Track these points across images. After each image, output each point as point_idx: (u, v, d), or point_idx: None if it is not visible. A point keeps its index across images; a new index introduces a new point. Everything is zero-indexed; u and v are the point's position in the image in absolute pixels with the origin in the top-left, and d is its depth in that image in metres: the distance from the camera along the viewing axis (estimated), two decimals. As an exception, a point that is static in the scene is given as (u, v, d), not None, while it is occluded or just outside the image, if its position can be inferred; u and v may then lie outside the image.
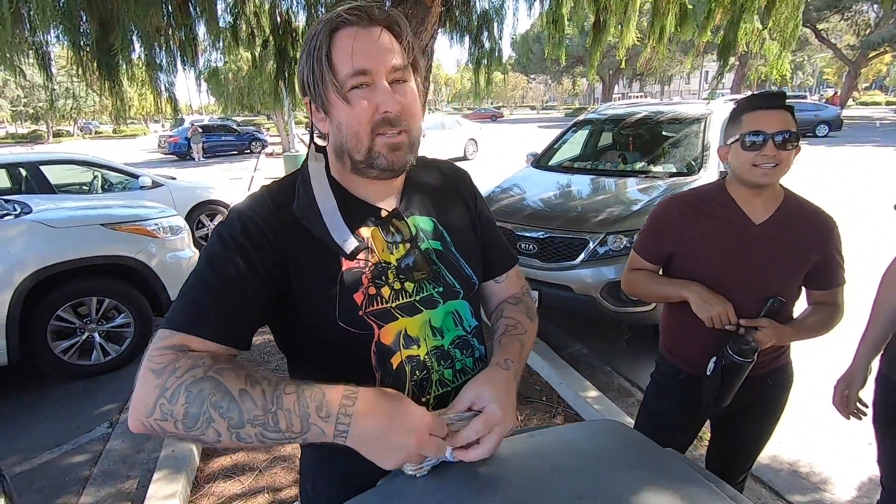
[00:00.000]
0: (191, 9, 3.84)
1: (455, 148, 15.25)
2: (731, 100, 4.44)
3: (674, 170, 3.82)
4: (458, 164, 1.01)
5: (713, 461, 1.63)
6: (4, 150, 17.14)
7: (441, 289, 0.85)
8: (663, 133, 4.39)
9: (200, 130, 19.91)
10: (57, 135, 38.04)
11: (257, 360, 3.41)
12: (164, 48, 3.95)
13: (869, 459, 1.55)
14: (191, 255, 3.81)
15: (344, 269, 0.78)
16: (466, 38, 4.58)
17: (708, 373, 1.34)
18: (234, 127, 22.79)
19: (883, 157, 12.76)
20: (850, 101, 35.12)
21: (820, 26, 28.95)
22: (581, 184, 3.96)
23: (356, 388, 0.66)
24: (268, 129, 29.83)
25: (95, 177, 5.84)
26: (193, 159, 19.41)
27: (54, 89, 4.15)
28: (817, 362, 2.29)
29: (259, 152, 21.32)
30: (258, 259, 0.73)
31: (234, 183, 11.30)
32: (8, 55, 3.00)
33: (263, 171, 14.67)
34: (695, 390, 1.44)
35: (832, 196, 7.57)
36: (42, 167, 5.33)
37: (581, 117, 5.19)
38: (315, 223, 0.77)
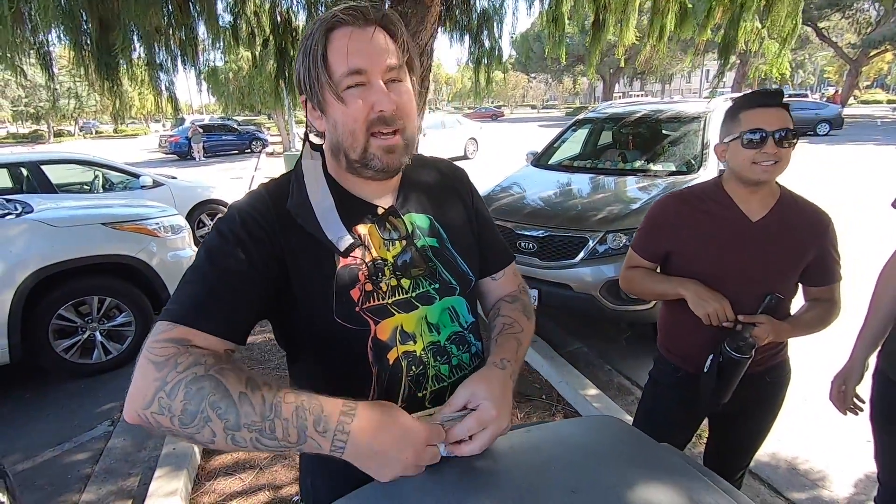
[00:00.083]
0: (191, 8, 3.84)
1: (455, 147, 15.26)
2: (732, 98, 4.44)
3: (673, 168, 3.82)
4: (458, 163, 1.02)
5: (711, 459, 1.64)
6: (6, 150, 17.18)
7: (437, 285, 0.85)
8: (663, 132, 4.40)
9: (201, 130, 19.93)
10: (58, 134, 38.10)
11: (257, 359, 3.42)
12: (164, 48, 3.97)
13: (867, 456, 1.56)
14: (191, 254, 3.82)
15: (340, 265, 0.78)
16: (466, 37, 4.58)
17: (705, 370, 1.34)
18: (235, 126, 22.80)
19: (884, 155, 12.74)
20: (851, 100, 35.04)
21: (821, 24, 28.89)
22: (581, 182, 3.96)
23: (355, 403, 0.66)
24: (268, 128, 29.86)
25: (96, 176, 5.85)
26: (194, 159, 19.43)
27: (56, 89, 4.17)
28: (816, 359, 2.30)
29: (260, 152, 21.34)
30: (257, 254, 0.73)
31: (235, 182, 11.33)
32: (9, 55, 3.00)
33: (264, 170, 14.68)
34: (693, 388, 1.45)
35: (833, 195, 7.57)
36: (43, 167, 5.34)
37: (581, 116, 5.19)
38: (308, 221, 0.78)
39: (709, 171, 3.60)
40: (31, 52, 3.35)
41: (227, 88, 18.73)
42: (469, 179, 1.01)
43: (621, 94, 49.50)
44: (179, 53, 4.14)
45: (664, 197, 1.48)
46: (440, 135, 14.67)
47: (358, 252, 0.79)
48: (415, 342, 0.82)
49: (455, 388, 0.86)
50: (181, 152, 20.17)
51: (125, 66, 3.74)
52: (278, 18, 4.47)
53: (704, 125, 3.94)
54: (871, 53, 29.16)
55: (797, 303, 1.42)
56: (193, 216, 6.15)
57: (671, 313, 1.50)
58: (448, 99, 68.39)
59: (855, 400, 1.47)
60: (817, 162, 11.56)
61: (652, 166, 3.95)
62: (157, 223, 3.63)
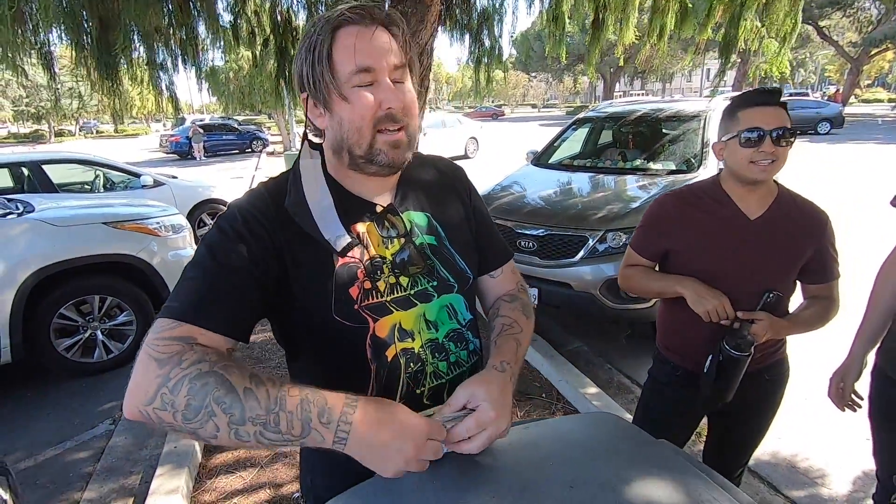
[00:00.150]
0: (191, 8, 3.85)
1: (456, 146, 15.27)
2: (731, 97, 4.45)
3: (673, 167, 3.83)
4: (458, 162, 1.02)
5: (710, 456, 1.64)
6: (7, 150, 17.20)
7: (435, 283, 0.86)
8: (663, 130, 4.40)
9: (201, 130, 19.95)
10: (59, 134, 38.14)
11: (258, 358, 3.43)
12: (165, 47, 3.97)
13: (866, 454, 1.56)
14: (192, 253, 3.82)
15: (339, 264, 0.79)
16: (467, 37, 4.58)
17: (705, 370, 1.35)
18: (236, 126, 22.82)
19: (885, 154, 12.73)
20: (853, 99, 35.00)
21: (822, 23, 28.86)
22: (581, 181, 3.97)
23: (357, 396, 0.67)
24: (269, 128, 29.87)
25: (97, 176, 5.87)
26: (195, 158, 19.45)
27: (57, 89, 4.17)
28: (816, 358, 2.30)
29: (260, 151, 21.36)
30: (258, 251, 0.74)
31: (236, 182, 11.34)
32: (10, 55, 3.01)
33: (264, 170, 14.70)
34: (692, 386, 1.45)
35: (834, 194, 7.57)
36: (44, 166, 5.36)
37: (581, 115, 5.19)
38: (305, 220, 0.78)
39: (709, 169, 3.60)
40: (33, 52, 3.35)
41: (228, 88, 18.74)
42: (467, 177, 1.02)
43: (622, 93, 49.43)
44: (180, 53, 4.15)
45: (663, 195, 1.48)
46: (441, 134, 14.68)
47: (357, 250, 0.80)
48: (413, 339, 0.83)
49: (453, 384, 0.86)
50: (182, 152, 20.19)
51: (126, 66, 3.75)
52: (278, 18, 4.48)
53: (704, 124, 3.94)
54: (872, 52, 29.11)
55: (796, 301, 1.42)
56: (194, 215, 6.17)
57: (670, 311, 1.51)
58: (448, 98, 68.38)
59: (853, 397, 1.48)
60: (818, 161, 11.56)
61: (652, 165, 3.95)
62: (158, 222, 3.64)
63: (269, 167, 15.44)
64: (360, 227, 0.82)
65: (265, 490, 2.22)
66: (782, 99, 1.26)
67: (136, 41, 3.70)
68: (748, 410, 1.48)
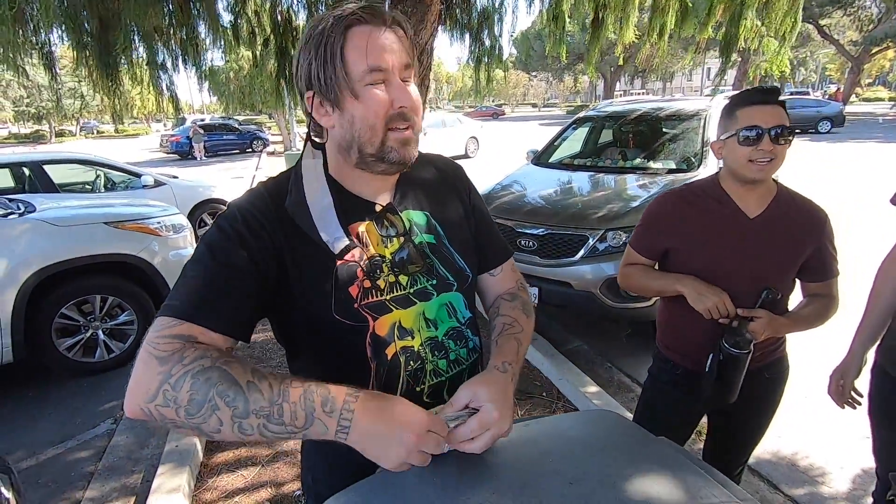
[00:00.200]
0: (192, 8, 3.85)
1: (456, 146, 15.27)
2: (730, 96, 4.45)
3: (673, 166, 3.83)
4: (459, 161, 1.03)
5: (710, 454, 1.65)
6: (7, 150, 17.22)
7: (434, 281, 0.86)
8: (663, 130, 4.40)
9: (202, 130, 19.97)
10: (59, 134, 38.17)
11: (258, 357, 3.44)
12: (165, 47, 3.98)
13: (866, 452, 1.57)
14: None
15: (339, 262, 0.79)
16: (467, 36, 4.58)
17: (706, 370, 1.35)
18: (236, 126, 22.84)
19: (885, 153, 12.71)
20: (853, 98, 34.98)
21: (822, 22, 28.83)
22: (581, 180, 3.97)
23: (359, 389, 0.68)
24: (269, 127, 29.88)
25: (98, 176, 5.88)
26: (195, 158, 19.47)
27: (59, 89, 4.19)
28: (815, 356, 2.31)
29: (260, 151, 21.37)
30: (258, 250, 0.74)
31: (236, 182, 11.35)
32: (11, 55, 3.02)
33: (265, 169, 14.71)
34: (692, 385, 1.45)
35: (834, 193, 7.57)
36: (45, 166, 5.37)
37: (581, 114, 5.19)
38: (304, 220, 0.78)
39: (709, 168, 3.60)
40: (34, 52, 3.36)
41: (228, 88, 18.76)
42: (466, 176, 1.02)
43: (622, 93, 49.39)
44: (180, 53, 4.16)
45: (662, 194, 1.48)
46: (441, 133, 14.69)
47: (356, 249, 0.80)
48: (413, 338, 0.83)
49: (453, 382, 0.87)
50: (182, 152, 20.21)
51: (126, 66, 3.76)
52: (279, 18, 4.48)
53: (704, 123, 3.94)
54: (873, 51, 29.09)
55: (796, 299, 1.43)
56: (195, 215, 6.18)
57: (670, 310, 1.51)
58: (449, 98, 68.36)
59: (853, 394, 1.48)
60: (819, 160, 11.55)
61: (652, 164, 3.96)
62: (159, 222, 3.65)
63: (269, 167, 15.45)
64: (360, 227, 0.82)
65: (266, 489, 2.23)
66: (781, 98, 1.26)
67: (137, 41, 3.71)
68: (748, 409, 1.48)
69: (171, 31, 3.92)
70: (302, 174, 0.83)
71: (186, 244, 3.81)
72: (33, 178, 5.30)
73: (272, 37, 4.49)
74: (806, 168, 9.55)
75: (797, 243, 1.32)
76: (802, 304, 1.41)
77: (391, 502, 0.72)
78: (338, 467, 0.87)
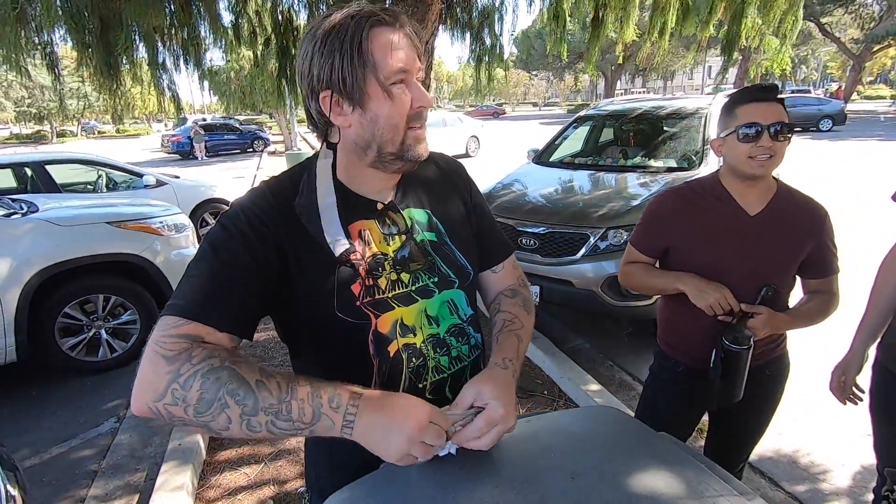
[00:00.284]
0: (193, 8, 3.86)
1: (457, 145, 15.27)
2: (729, 95, 4.45)
3: (674, 164, 3.83)
4: (459, 160, 1.04)
5: (711, 451, 1.65)
6: (9, 151, 17.25)
7: (436, 279, 0.87)
8: (664, 128, 4.40)
9: (202, 131, 19.98)
10: (61, 135, 38.23)
11: (260, 356, 3.45)
12: (167, 47, 3.99)
13: (866, 449, 1.57)
14: (195, 252, 3.84)
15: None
16: (467, 35, 4.58)
17: (711, 365, 1.35)
18: (237, 126, 22.85)
19: (887, 151, 12.69)
20: (855, 96, 34.90)
21: (824, 20, 28.78)
22: (582, 179, 3.97)
23: (365, 388, 0.71)
24: (270, 127, 29.91)
25: (100, 176, 5.89)
26: (196, 158, 19.49)
27: (62, 90, 4.19)
28: (816, 354, 2.31)
29: (261, 151, 21.39)
30: (261, 249, 0.75)
31: (237, 181, 11.36)
32: (13, 56, 3.03)
33: (266, 169, 14.72)
34: (693, 382, 1.46)
35: (836, 191, 7.56)
36: (47, 167, 5.38)
37: (582, 113, 5.20)
38: (313, 222, 0.79)
39: (709, 167, 3.60)
40: (36, 52, 3.37)
41: (229, 88, 18.76)
42: (467, 173, 1.03)
43: (623, 91, 49.32)
44: (181, 53, 4.17)
45: (662, 192, 1.49)
46: (442, 133, 14.68)
47: (358, 247, 0.81)
48: (415, 335, 0.84)
49: (455, 379, 0.88)
50: (183, 152, 20.23)
51: (127, 66, 3.77)
52: (280, 17, 4.49)
53: (705, 121, 3.94)
54: (875, 49, 29.03)
55: (796, 297, 1.43)
56: (196, 215, 6.18)
57: (670, 308, 1.51)
58: (449, 97, 68.32)
59: (854, 390, 1.48)
60: (820, 158, 11.53)
61: (653, 163, 3.96)
62: (161, 222, 3.66)
63: (270, 167, 15.46)
64: (362, 225, 0.83)
65: (269, 486, 2.24)
66: (781, 95, 1.27)
67: (138, 41, 3.72)
68: (749, 406, 1.49)
69: (173, 31, 3.93)
70: (316, 175, 0.83)
71: (188, 244, 3.82)
72: (35, 179, 5.31)
73: (273, 36, 4.50)
74: (807, 166, 9.53)
75: (797, 240, 1.33)
76: (803, 301, 1.41)
77: (394, 497, 0.73)
78: (339, 465, 0.88)
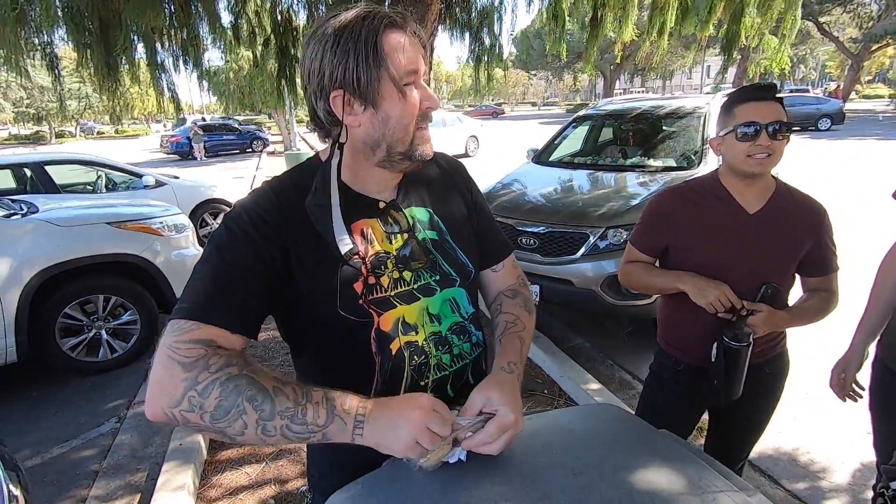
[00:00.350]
0: (192, 8, 3.86)
1: (456, 145, 15.28)
2: (728, 94, 4.46)
3: (673, 164, 3.84)
4: (459, 160, 1.04)
5: (711, 449, 1.65)
6: (8, 151, 17.23)
7: (438, 277, 0.88)
8: (663, 127, 4.41)
9: (201, 131, 19.96)
10: (59, 135, 38.19)
11: (261, 356, 3.45)
12: (166, 48, 3.99)
13: (866, 447, 1.58)
14: (195, 252, 3.84)
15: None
16: (466, 35, 4.59)
17: (712, 359, 1.36)
18: (236, 126, 22.83)
19: (885, 150, 12.71)
20: (853, 95, 34.94)
21: (822, 19, 28.82)
22: (581, 179, 3.98)
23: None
24: (269, 127, 29.89)
25: (99, 176, 5.89)
26: (195, 159, 19.47)
27: (61, 91, 4.19)
28: (817, 353, 2.32)
29: (261, 151, 21.37)
30: (265, 248, 0.76)
31: (237, 182, 11.35)
32: (13, 56, 3.03)
33: (265, 169, 14.71)
34: (693, 381, 1.47)
35: (835, 190, 7.57)
36: (47, 167, 5.38)
37: (581, 113, 5.20)
38: (323, 219, 0.79)
39: (708, 166, 3.61)
40: (36, 53, 3.37)
41: (228, 88, 18.77)
42: (467, 173, 1.04)
43: (622, 91, 49.33)
44: (181, 53, 4.17)
45: (662, 192, 1.50)
46: (441, 133, 14.68)
47: (361, 245, 0.82)
48: (417, 333, 0.85)
49: (456, 377, 0.89)
50: (182, 152, 20.21)
51: (127, 66, 3.77)
52: (279, 18, 4.49)
53: (704, 121, 3.95)
54: (873, 48, 29.08)
55: (796, 295, 1.44)
56: (196, 215, 6.18)
57: (671, 307, 1.52)
58: (448, 97, 68.31)
59: (854, 387, 1.49)
60: (819, 157, 11.55)
61: (652, 162, 3.96)
62: (161, 222, 3.66)
63: (269, 167, 15.46)
64: (364, 224, 0.84)
65: (270, 486, 2.25)
66: (779, 94, 1.27)
67: (137, 41, 3.73)
68: (749, 404, 1.49)
69: (172, 32, 3.93)
70: (330, 175, 0.83)
71: (188, 244, 3.82)
72: (35, 179, 5.31)
73: (273, 37, 4.50)
74: (806, 165, 9.54)
75: (796, 238, 1.34)
76: (802, 300, 1.42)
77: (396, 495, 0.73)
78: (341, 464, 0.88)
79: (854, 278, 1.93)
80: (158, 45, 3.89)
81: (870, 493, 1.73)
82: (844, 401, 1.51)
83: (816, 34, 31.94)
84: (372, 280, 0.82)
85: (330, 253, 0.79)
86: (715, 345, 1.33)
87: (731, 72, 26.56)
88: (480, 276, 1.01)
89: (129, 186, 5.95)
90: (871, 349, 1.47)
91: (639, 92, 48.84)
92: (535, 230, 3.35)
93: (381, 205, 0.87)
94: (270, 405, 0.67)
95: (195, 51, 4.15)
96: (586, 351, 3.41)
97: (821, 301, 1.39)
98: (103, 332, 3.35)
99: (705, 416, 1.64)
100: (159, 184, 5.99)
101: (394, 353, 0.83)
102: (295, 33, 4.53)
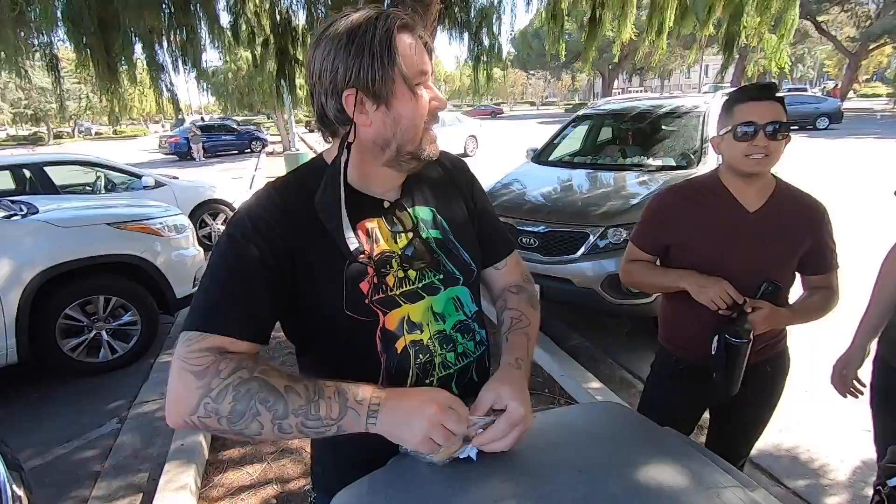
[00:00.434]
0: (191, 9, 3.86)
1: (455, 145, 15.29)
2: (728, 93, 4.47)
3: (673, 163, 3.84)
4: (461, 158, 1.05)
5: (712, 448, 1.64)
6: (6, 152, 17.20)
7: (441, 276, 0.88)
8: (662, 127, 4.42)
9: (199, 132, 19.92)
10: (57, 136, 38.12)
11: (261, 356, 3.45)
12: (165, 48, 3.99)
13: (866, 445, 1.59)
14: (195, 253, 3.84)
15: (349, 260, 0.81)
16: (466, 35, 4.60)
17: (713, 352, 1.36)
18: (234, 126, 22.79)
19: (884, 149, 12.73)
20: (851, 94, 34.99)
21: (820, 18, 28.86)
22: (581, 178, 3.99)
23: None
24: (267, 128, 29.86)
25: (99, 177, 5.88)
26: (194, 159, 19.45)
27: (61, 91, 4.19)
28: (817, 352, 2.32)
29: (259, 151, 21.35)
30: (270, 252, 0.76)
31: (236, 182, 11.34)
32: (13, 57, 3.03)
33: (264, 170, 14.70)
34: (694, 379, 1.47)
35: (833, 189, 7.58)
36: (46, 168, 5.37)
37: (580, 112, 5.21)
38: (333, 217, 0.79)
39: (708, 165, 3.62)
40: (36, 54, 3.37)
41: (227, 88, 18.75)
42: (470, 171, 1.04)
43: (620, 90, 49.35)
44: (180, 54, 4.17)
45: (663, 190, 1.50)
46: (440, 133, 14.30)
47: (367, 245, 0.82)
48: (422, 331, 0.85)
49: (461, 375, 0.89)
50: (181, 153, 20.18)
51: (126, 67, 3.77)
52: (278, 18, 4.49)
53: (703, 120, 3.96)
54: (871, 47, 29.16)
55: (796, 293, 1.44)
56: (196, 216, 6.17)
57: (672, 306, 1.53)
58: (446, 97, 67.88)
59: (855, 383, 1.50)
60: (817, 156, 11.56)
61: (651, 161, 3.97)
62: (161, 223, 3.66)
63: (268, 167, 15.44)
64: (370, 224, 0.84)
65: (272, 485, 2.25)
66: (779, 94, 1.28)
67: (136, 42, 3.73)
68: (749, 402, 1.50)
69: (171, 32, 3.93)
70: (338, 173, 0.83)
71: (189, 244, 3.82)
72: (34, 180, 5.31)
73: (272, 37, 4.50)
74: (804, 164, 9.56)
75: (796, 237, 1.34)
76: (803, 297, 1.43)
77: (402, 493, 0.74)
78: (346, 462, 0.89)
79: (853, 276, 1.94)
80: (157, 46, 3.89)
81: (870, 491, 1.73)
82: (846, 397, 1.52)
83: (814, 33, 31.97)
84: (378, 280, 0.82)
85: (336, 252, 0.79)
86: (716, 338, 1.33)
87: (730, 71, 26.60)
88: (484, 274, 1.02)
89: (129, 187, 5.95)
90: (873, 346, 1.48)
91: (637, 91, 48.86)
92: (536, 230, 3.36)
93: (386, 204, 0.87)
94: (283, 405, 0.68)
95: (194, 51, 4.15)
96: (587, 350, 3.42)
97: (821, 299, 1.39)
98: (104, 332, 3.35)
99: (706, 415, 1.64)
100: (159, 184, 5.98)
101: (399, 351, 0.83)
102: (294, 34, 4.54)
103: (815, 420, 2.53)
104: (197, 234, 4.45)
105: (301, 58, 4.62)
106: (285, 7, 4.55)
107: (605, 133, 5.05)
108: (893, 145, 13.25)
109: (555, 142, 4.84)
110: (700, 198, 1.40)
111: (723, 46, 4.24)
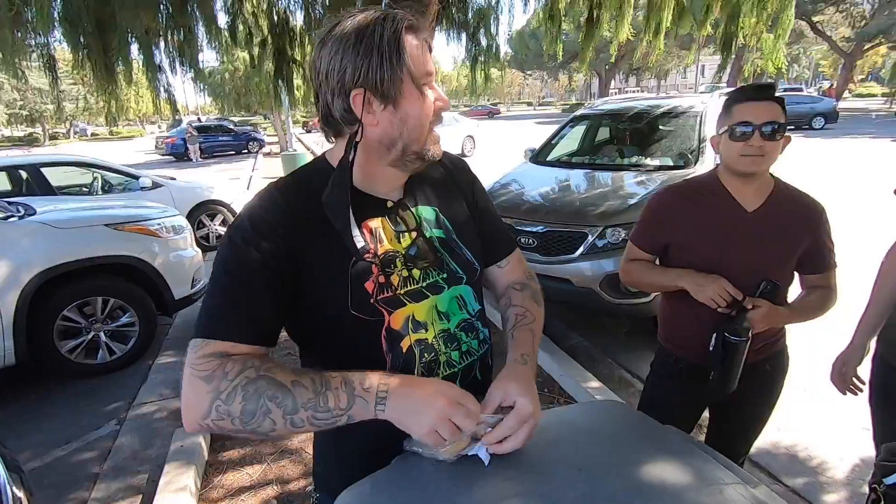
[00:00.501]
0: (188, 9, 3.86)
1: (453, 145, 15.28)
2: (725, 93, 4.48)
3: (670, 163, 3.86)
4: (462, 158, 1.05)
5: (711, 446, 1.66)
6: (2, 153, 17.13)
7: (445, 275, 0.89)
8: (660, 127, 4.43)
9: (195, 132, 19.86)
10: (53, 137, 37.97)
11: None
12: (162, 49, 3.98)
13: (864, 443, 1.60)
14: (193, 254, 3.84)
15: (354, 259, 0.81)
16: (463, 36, 4.61)
17: (711, 348, 1.37)
18: (232, 127, 22.74)
19: (879, 148, 12.80)
20: (846, 94, 35.14)
21: (815, 18, 28.99)
22: (579, 178, 4.00)
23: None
24: (265, 128, 29.82)
25: (95, 178, 5.86)
26: (191, 160, 19.39)
27: (60, 92, 4.18)
28: (816, 351, 2.34)
29: (257, 152, 21.31)
30: (272, 254, 0.76)
31: (233, 183, 11.31)
32: (10, 58, 3.02)
33: (261, 170, 14.67)
34: (694, 378, 1.48)
35: (829, 188, 7.61)
36: (42, 169, 5.36)
37: (578, 112, 5.22)
38: (340, 216, 0.78)
39: (705, 165, 3.63)
40: (32, 54, 3.36)
41: (224, 89, 18.71)
42: (470, 170, 1.05)
43: (616, 91, 49.47)
44: (177, 55, 4.16)
45: (662, 190, 1.51)
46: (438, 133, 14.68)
47: (371, 244, 0.82)
48: (426, 330, 0.85)
49: (465, 373, 0.89)
50: (178, 154, 20.11)
51: (123, 68, 3.76)
52: (275, 19, 4.48)
53: (700, 120, 3.97)
54: (866, 47, 29.30)
55: (795, 292, 1.45)
56: (193, 216, 6.16)
57: (671, 305, 1.53)
58: (445, 97, 68.07)
59: (855, 381, 1.51)
60: (813, 156, 11.61)
61: (649, 161, 3.98)
62: (159, 224, 3.65)
63: (266, 168, 15.42)
64: (374, 223, 0.84)
65: (272, 486, 2.25)
66: (777, 94, 1.28)
67: (133, 43, 3.72)
68: (748, 400, 1.51)
69: (169, 33, 3.92)
70: (346, 172, 0.82)
71: (187, 245, 3.81)
72: (31, 181, 5.29)
73: (269, 38, 4.49)
74: (800, 164, 9.59)
75: (794, 236, 1.35)
76: (801, 296, 1.44)
77: (406, 492, 0.74)
78: (348, 461, 0.89)
79: (851, 275, 1.95)
80: (154, 47, 3.88)
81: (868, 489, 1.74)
82: (845, 394, 1.53)
83: (810, 33, 32.12)
84: (382, 279, 0.82)
85: (339, 252, 0.79)
86: (714, 335, 1.34)
87: (727, 71, 26.67)
88: (487, 272, 1.03)
89: (126, 188, 5.93)
90: (872, 345, 1.49)
91: (633, 91, 48.97)
92: (534, 229, 3.37)
93: (389, 204, 0.87)
94: (292, 400, 0.69)
95: (191, 52, 4.14)
96: (586, 349, 3.43)
97: (819, 298, 1.40)
98: (102, 334, 3.34)
99: (705, 414, 1.65)
100: (156, 185, 5.97)
101: (404, 350, 0.84)
102: (292, 34, 4.53)
103: (814, 418, 2.54)
104: (195, 235, 4.44)
105: (299, 58, 4.62)
106: (283, 7, 4.54)
107: (603, 133, 5.07)
108: (889, 145, 13.32)
109: (553, 142, 4.84)
110: (699, 197, 1.41)
111: (721, 46, 4.25)
